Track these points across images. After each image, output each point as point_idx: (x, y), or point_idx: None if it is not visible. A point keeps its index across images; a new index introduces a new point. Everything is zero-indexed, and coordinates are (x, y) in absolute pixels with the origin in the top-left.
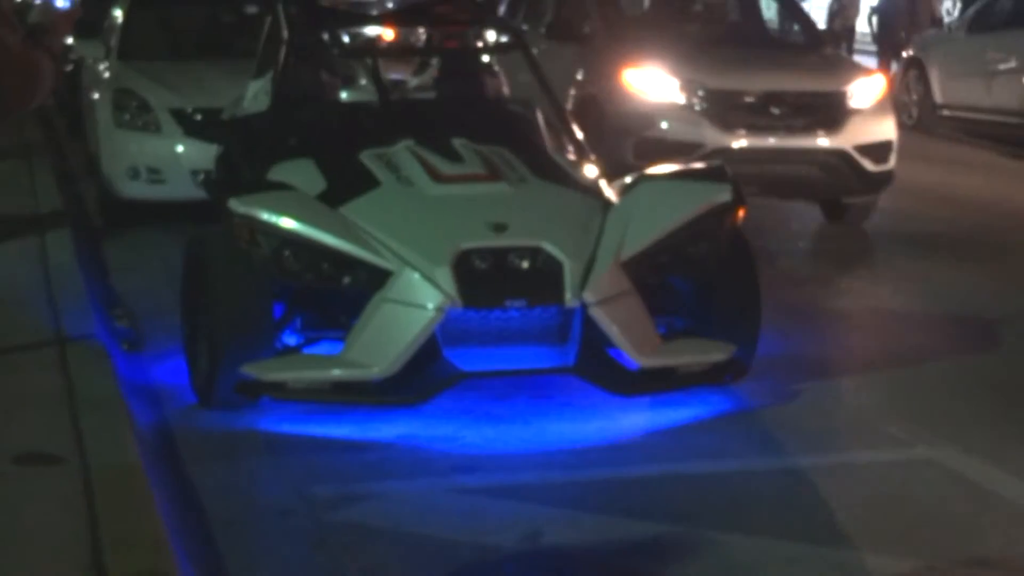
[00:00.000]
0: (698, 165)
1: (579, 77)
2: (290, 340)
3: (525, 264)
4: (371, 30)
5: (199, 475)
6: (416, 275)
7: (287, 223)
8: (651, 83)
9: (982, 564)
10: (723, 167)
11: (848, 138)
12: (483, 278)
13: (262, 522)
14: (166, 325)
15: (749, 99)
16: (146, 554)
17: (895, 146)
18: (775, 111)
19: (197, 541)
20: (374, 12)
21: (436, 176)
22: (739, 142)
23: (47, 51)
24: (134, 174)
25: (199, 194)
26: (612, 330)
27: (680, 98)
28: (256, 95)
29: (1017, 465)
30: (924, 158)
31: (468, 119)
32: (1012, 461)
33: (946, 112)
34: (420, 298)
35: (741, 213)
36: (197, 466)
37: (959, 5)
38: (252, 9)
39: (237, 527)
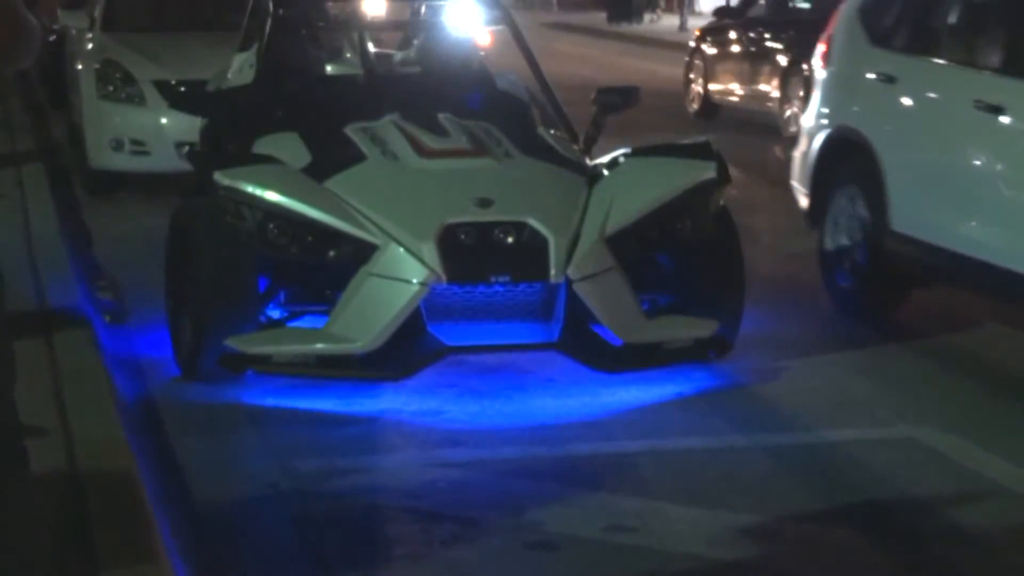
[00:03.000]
0: (684, 142)
1: None
2: (274, 313)
3: (510, 239)
4: (357, 3)
5: (183, 448)
6: (401, 250)
7: (272, 196)
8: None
9: (962, 541)
10: (708, 143)
11: None
12: (468, 253)
13: (245, 496)
14: (150, 297)
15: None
16: (131, 528)
17: None
18: None
19: (181, 514)
20: None
21: (421, 150)
22: None
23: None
24: (118, 146)
25: (183, 166)
26: (596, 306)
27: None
28: (241, 67)
29: (1000, 445)
30: None
31: (454, 94)
32: (995, 441)
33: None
34: (405, 273)
35: (726, 189)
36: (181, 439)
37: None
38: None
39: (220, 500)
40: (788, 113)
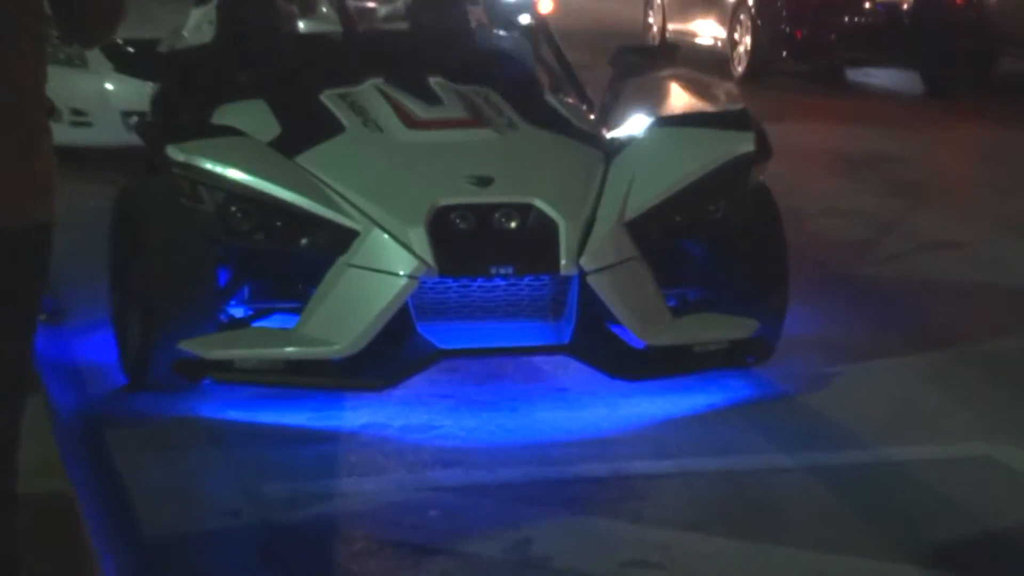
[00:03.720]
0: (717, 109)
1: None
2: (237, 312)
3: (513, 224)
4: None
5: (129, 471)
6: (385, 236)
7: (234, 174)
8: None
9: None
10: (745, 111)
11: None
12: (464, 241)
13: (204, 526)
14: (92, 293)
15: None
16: (67, 564)
17: None
18: None
19: (128, 548)
20: None
21: (409, 121)
22: None
23: None
24: (55, 116)
25: (132, 140)
26: (614, 302)
27: None
28: (199, 25)
29: None
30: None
31: (448, 54)
32: None
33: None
34: (390, 263)
35: (766, 165)
36: (128, 460)
37: None
38: None
39: (174, 531)
40: (737, 52)
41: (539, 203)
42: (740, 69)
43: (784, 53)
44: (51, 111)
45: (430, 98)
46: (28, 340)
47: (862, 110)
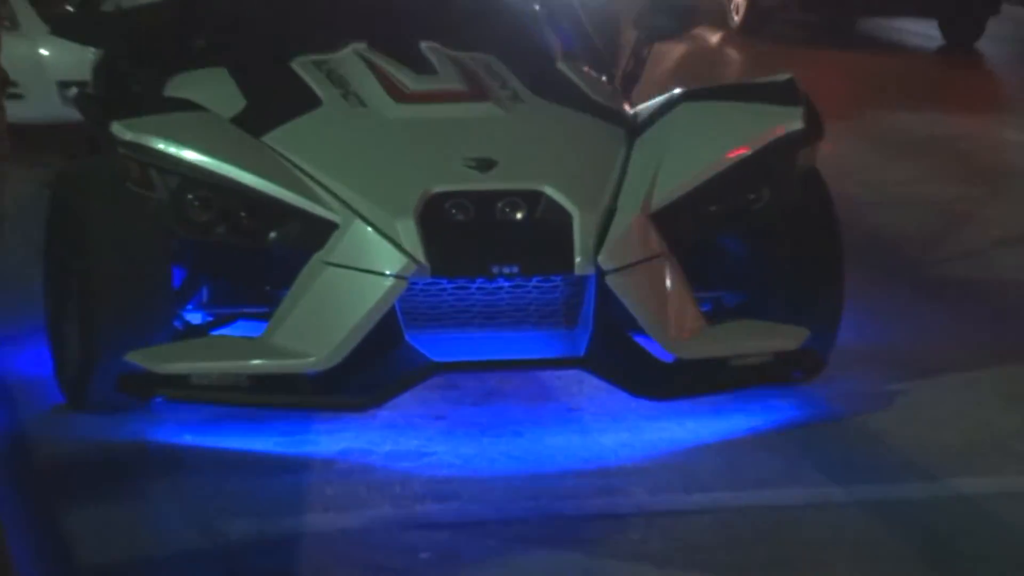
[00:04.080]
0: (758, 80)
1: None
2: (194, 318)
3: (519, 215)
4: None
5: (68, 504)
6: (368, 230)
7: (191, 156)
8: None
9: None
10: (792, 82)
11: None
12: (461, 235)
13: (156, 570)
14: (23, 296)
15: None
16: None
17: None
18: None
19: None
20: None
21: (397, 93)
22: None
23: None
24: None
25: (71, 115)
26: (638, 307)
27: None
28: None
29: None
30: None
31: (442, 15)
32: None
33: None
34: (374, 261)
35: (817, 146)
36: (64, 492)
37: None
38: None
39: None
40: (734, 3)
41: (549, 190)
42: (737, 19)
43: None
44: (4, 84)
45: (421, 66)
46: None
47: (885, 68)
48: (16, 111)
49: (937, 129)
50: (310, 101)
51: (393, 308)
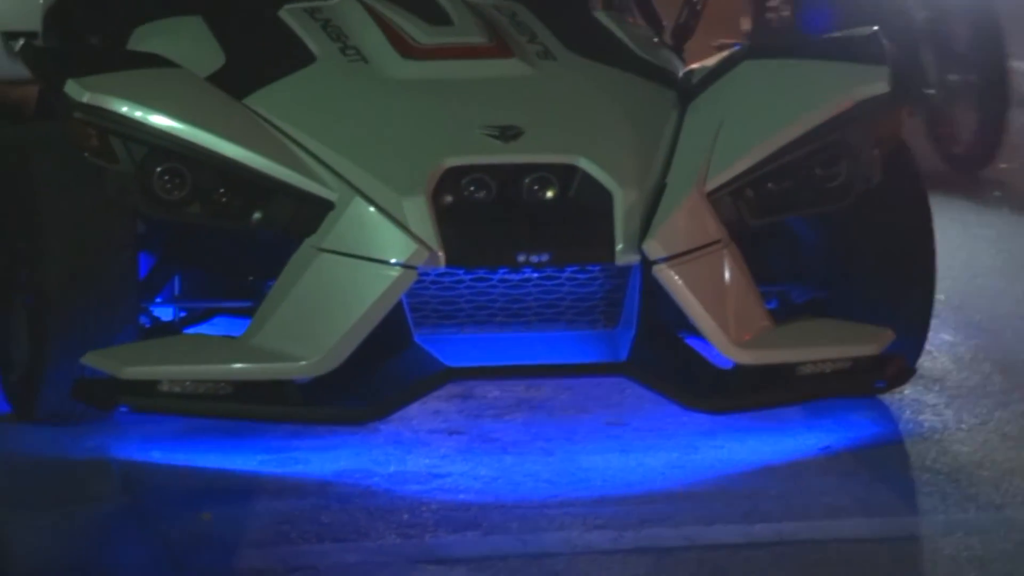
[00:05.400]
0: (834, 34)
1: None
2: (164, 313)
3: (549, 193)
4: None
5: (15, 529)
6: (370, 210)
7: (160, 121)
8: None
9: None
10: (876, 36)
11: None
12: (481, 217)
13: None
14: None
15: None
16: None
17: None
18: None
19: None
20: None
21: (405, 47)
22: None
23: None
24: None
25: (16, 71)
26: (691, 304)
27: None
28: None
29: None
30: None
31: None
32: None
33: None
34: (377, 247)
35: (905, 113)
36: (9, 515)
37: None
38: None
39: None
40: None
41: (585, 164)
42: None
43: None
44: None
45: (434, 16)
46: None
47: None
48: None
49: None
50: (302, 56)
51: (400, 303)
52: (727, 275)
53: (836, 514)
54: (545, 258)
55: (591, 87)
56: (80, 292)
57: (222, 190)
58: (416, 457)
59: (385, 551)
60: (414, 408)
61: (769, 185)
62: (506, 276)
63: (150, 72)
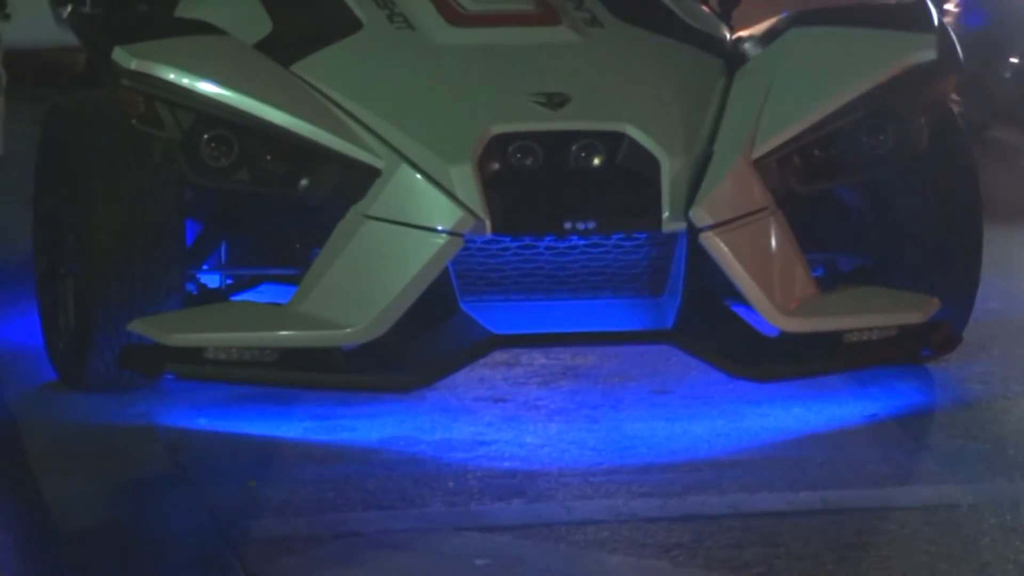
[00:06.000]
0: (884, 1)
1: None
2: (210, 280)
3: (596, 161)
4: None
5: (61, 497)
6: (417, 177)
7: (207, 88)
8: None
9: None
10: (924, 4)
11: None
12: (527, 184)
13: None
14: (9, 256)
15: None
16: None
17: None
18: None
19: None
20: None
21: (452, 14)
22: None
23: None
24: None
25: (65, 39)
26: (737, 272)
27: None
28: None
29: None
30: None
31: None
32: None
33: None
34: (424, 215)
35: (954, 80)
36: (58, 482)
37: None
38: None
39: None
40: None
41: (632, 131)
42: None
43: None
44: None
45: None
46: None
47: None
48: (4, 35)
49: None
50: (349, 23)
51: (446, 270)
52: (773, 243)
53: (881, 483)
54: (591, 226)
55: (638, 55)
56: (127, 259)
57: (269, 157)
58: (461, 424)
59: (430, 518)
60: (460, 375)
61: (816, 152)
62: (552, 244)
63: (197, 39)
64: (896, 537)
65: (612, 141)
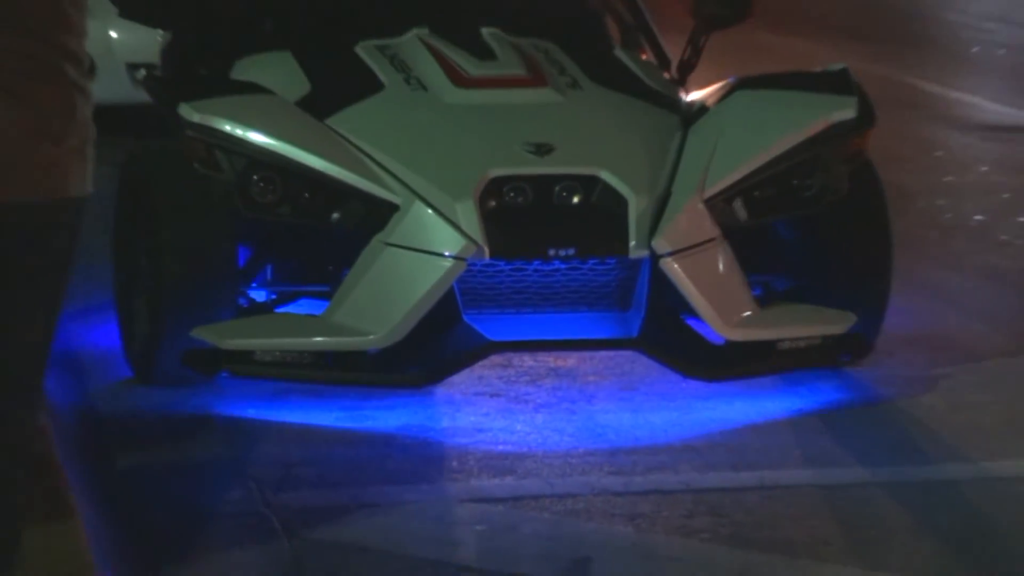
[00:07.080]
0: (812, 70)
1: None
2: (258, 296)
3: (576, 199)
4: None
5: (135, 476)
6: (428, 211)
7: (257, 137)
8: None
9: None
10: (846, 72)
11: None
12: (519, 218)
13: (217, 539)
14: (94, 274)
15: None
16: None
17: None
18: None
19: (131, 564)
20: None
21: (458, 78)
22: None
23: None
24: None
25: (139, 96)
26: (691, 291)
27: None
28: None
29: None
30: None
31: (503, 2)
32: None
33: None
34: (433, 242)
35: (869, 135)
36: (132, 463)
37: None
38: None
39: (184, 546)
40: None
41: (605, 175)
42: None
43: None
44: (91, 69)
45: (482, 52)
46: (54, 321)
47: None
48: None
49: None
50: (373, 85)
51: (452, 288)
52: (721, 267)
53: (808, 464)
54: (571, 252)
55: (611, 112)
56: (190, 278)
57: (307, 194)
58: (464, 415)
59: (437, 492)
60: (462, 374)
61: (756, 193)
62: (539, 267)
63: (249, 97)
64: (819, 509)
65: (589, 183)
